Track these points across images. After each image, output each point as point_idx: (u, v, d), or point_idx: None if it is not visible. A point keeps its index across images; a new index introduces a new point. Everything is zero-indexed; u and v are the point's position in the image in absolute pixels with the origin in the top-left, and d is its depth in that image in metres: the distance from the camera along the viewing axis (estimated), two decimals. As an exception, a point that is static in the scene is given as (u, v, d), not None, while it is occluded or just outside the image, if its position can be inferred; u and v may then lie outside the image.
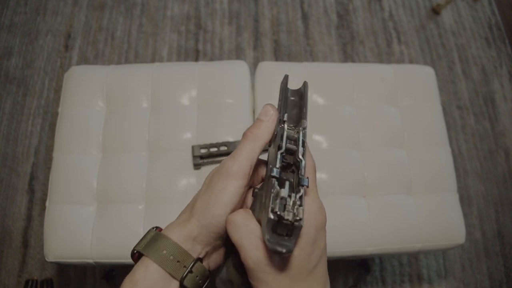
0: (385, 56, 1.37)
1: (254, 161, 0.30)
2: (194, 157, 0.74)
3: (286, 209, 0.25)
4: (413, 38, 1.41)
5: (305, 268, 0.28)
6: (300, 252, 0.27)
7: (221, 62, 0.87)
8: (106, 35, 1.32)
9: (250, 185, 0.33)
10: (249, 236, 0.27)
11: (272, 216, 0.25)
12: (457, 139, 1.27)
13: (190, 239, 0.29)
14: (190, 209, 0.31)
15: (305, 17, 1.40)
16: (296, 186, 0.28)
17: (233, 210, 0.30)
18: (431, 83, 0.88)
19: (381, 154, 0.79)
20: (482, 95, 1.34)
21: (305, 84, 0.34)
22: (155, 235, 0.30)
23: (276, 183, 0.27)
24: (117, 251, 0.68)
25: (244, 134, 0.32)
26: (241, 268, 0.31)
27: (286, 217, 0.25)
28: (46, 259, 0.70)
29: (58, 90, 1.22)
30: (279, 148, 0.29)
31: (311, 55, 1.34)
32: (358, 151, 0.79)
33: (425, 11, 1.46)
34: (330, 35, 1.38)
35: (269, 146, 0.33)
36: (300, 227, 0.25)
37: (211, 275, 0.33)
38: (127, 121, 0.78)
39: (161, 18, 1.36)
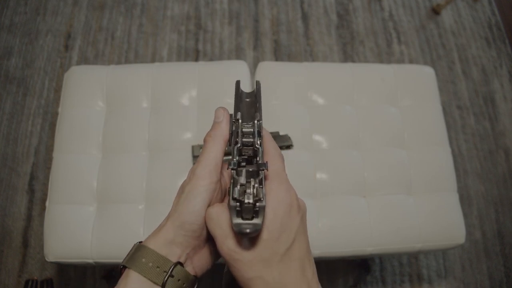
0: (385, 56, 1.37)
1: (218, 159, 0.32)
2: (194, 157, 0.74)
3: (247, 193, 0.27)
4: (413, 38, 1.41)
5: (276, 251, 0.28)
6: (268, 234, 0.28)
7: (221, 62, 0.87)
8: (106, 35, 1.32)
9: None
10: (221, 226, 0.29)
11: (232, 203, 0.26)
12: (457, 139, 1.27)
13: (167, 243, 0.30)
14: (167, 216, 0.32)
15: (305, 17, 1.40)
16: (257, 172, 0.29)
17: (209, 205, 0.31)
18: (431, 83, 0.88)
19: (381, 154, 0.79)
20: (482, 95, 1.34)
21: (257, 83, 0.36)
22: (136, 247, 0.31)
23: (234, 173, 0.29)
24: (117, 251, 0.68)
25: (204, 139, 0.33)
26: None
27: (246, 200, 0.26)
28: (46, 259, 0.70)
29: (58, 90, 1.22)
30: (236, 143, 0.31)
31: (311, 55, 1.34)
32: (358, 151, 0.79)
33: (425, 11, 1.46)
34: (330, 35, 1.38)
35: (230, 145, 0.35)
36: (263, 206, 0.27)
37: (198, 280, 0.33)
38: (127, 121, 0.78)
39: (161, 18, 1.36)
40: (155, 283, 0.29)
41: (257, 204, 0.26)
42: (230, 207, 0.27)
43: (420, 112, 0.84)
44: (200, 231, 0.31)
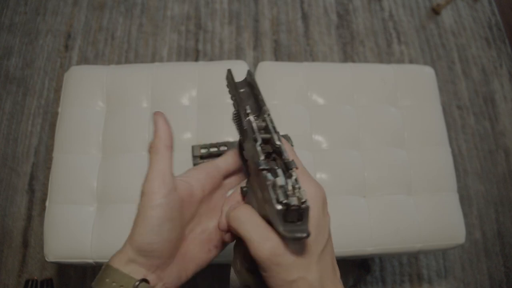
0: (385, 56, 1.37)
1: (165, 170, 0.30)
2: (194, 157, 0.74)
3: (289, 195, 0.25)
4: (413, 38, 1.41)
5: (314, 251, 0.27)
6: (315, 232, 0.27)
7: (221, 62, 0.87)
8: (106, 35, 1.32)
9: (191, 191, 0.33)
10: (257, 229, 0.27)
11: (279, 207, 0.25)
12: (457, 139, 1.27)
13: (131, 263, 0.30)
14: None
15: (305, 17, 1.40)
16: (286, 171, 0.28)
17: (173, 219, 0.30)
18: (431, 83, 0.88)
19: (381, 154, 0.79)
20: (482, 95, 1.34)
21: (249, 73, 0.34)
22: (103, 267, 0.31)
23: (269, 174, 0.27)
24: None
25: (149, 152, 0.32)
26: (257, 270, 0.31)
27: (293, 203, 0.25)
28: (46, 259, 0.70)
29: (58, 90, 1.22)
30: (255, 140, 0.29)
31: (311, 55, 1.34)
32: (358, 151, 0.79)
33: (425, 11, 1.46)
34: (330, 35, 1.38)
35: (243, 142, 0.33)
36: (308, 208, 0.25)
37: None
38: (127, 121, 0.78)
39: (161, 18, 1.36)
40: None
41: (302, 206, 0.25)
42: (276, 211, 0.25)
43: (420, 112, 0.84)
44: (162, 249, 0.30)
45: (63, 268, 1.03)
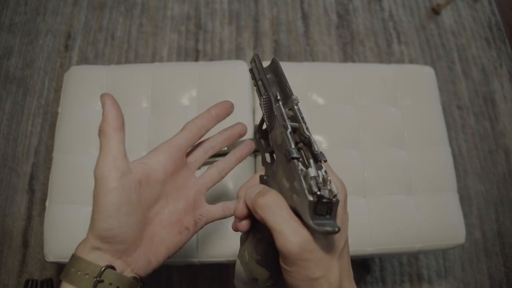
0: (385, 56, 1.37)
1: (116, 153, 0.29)
2: (194, 157, 0.74)
3: (320, 187, 0.24)
4: (413, 38, 1.41)
5: (337, 247, 0.27)
6: (341, 226, 0.26)
7: (221, 62, 0.87)
8: (106, 35, 1.32)
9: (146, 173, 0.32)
10: (288, 222, 0.26)
11: (312, 198, 0.24)
12: (457, 139, 1.27)
13: (94, 250, 0.29)
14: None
15: (305, 17, 1.40)
16: (315, 162, 0.27)
17: (130, 203, 0.29)
18: (431, 83, 0.88)
19: (381, 154, 0.79)
20: (482, 95, 1.34)
21: (275, 60, 0.33)
22: (70, 258, 0.30)
23: (300, 164, 0.26)
24: (117, 251, 0.68)
25: (98, 136, 0.30)
26: (267, 263, 0.30)
27: (326, 195, 0.24)
28: (46, 259, 0.70)
29: (58, 90, 1.22)
30: (285, 128, 0.28)
31: (311, 55, 1.34)
32: (358, 151, 0.79)
33: (425, 11, 1.46)
34: (330, 35, 1.38)
35: (270, 129, 0.31)
36: (338, 202, 0.24)
37: (143, 282, 0.31)
38: (127, 121, 0.77)
39: (161, 18, 1.36)
40: None
41: (333, 200, 0.24)
42: (308, 203, 0.24)
43: (420, 112, 0.84)
44: (124, 234, 0.29)
45: (63, 268, 1.03)
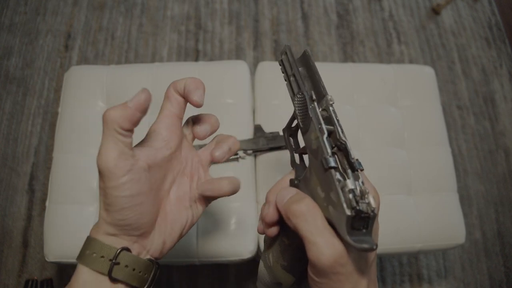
0: (385, 56, 1.37)
1: (123, 145, 0.27)
2: (194, 157, 0.74)
3: (358, 201, 0.23)
4: (413, 38, 1.41)
5: (369, 259, 0.26)
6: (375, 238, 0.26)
7: (221, 62, 0.87)
8: (106, 35, 1.32)
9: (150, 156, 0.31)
10: (323, 233, 0.25)
11: (350, 213, 0.23)
12: (457, 139, 1.27)
13: (109, 235, 0.29)
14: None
15: (305, 17, 1.40)
16: (351, 171, 0.25)
17: (142, 192, 0.28)
18: (431, 83, 0.87)
19: (381, 154, 0.79)
20: (482, 95, 1.34)
21: (307, 53, 0.30)
22: (85, 241, 0.30)
23: (338, 174, 0.24)
24: (117, 251, 0.68)
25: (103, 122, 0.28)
26: (294, 270, 0.29)
27: (364, 210, 0.23)
28: (46, 259, 0.70)
29: (58, 90, 1.22)
30: (321, 132, 0.26)
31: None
32: (358, 151, 0.79)
33: (425, 11, 1.46)
34: (330, 35, 1.38)
35: (305, 132, 0.29)
36: (375, 216, 0.23)
37: (158, 264, 0.31)
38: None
39: (161, 18, 1.36)
40: (101, 273, 0.28)
41: (371, 214, 0.23)
42: (346, 217, 0.23)
43: (420, 112, 0.84)
44: (139, 222, 0.28)
45: (63, 268, 1.03)
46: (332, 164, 0.24)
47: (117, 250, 0.28)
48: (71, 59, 1.28)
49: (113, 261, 0.28)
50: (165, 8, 1.37)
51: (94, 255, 0.28)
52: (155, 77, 0.81)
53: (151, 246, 0.31)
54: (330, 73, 0.86)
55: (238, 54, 1.32)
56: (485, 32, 1.45)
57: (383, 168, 0.78)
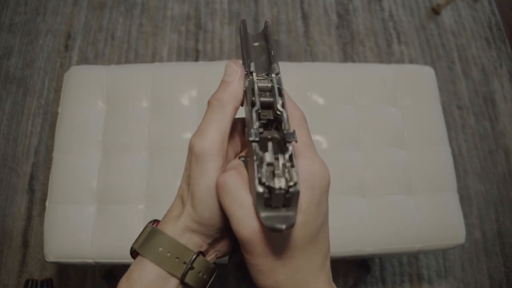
0: (385, 56, 1.37)
1: (226, 133, 0.26)
2: (194, 157, 0.74)
3: (276, 175, 0.21)
4: (413, 38, 1.41)
5: (309, 236, 0.24)
6: (306, 219, 0.23)
7: (221, 62, 0.87)
8: (106, 35, 1.32)
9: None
10: (242, 203, 0.23)
11: (261, 189, 0.21)
12: (457, 139, 1.27)
13: (187, 232, 0.27)
14: (180, 197, 0.28)
15: (305, 17, 1.40)
16: (283, 145, 0.23)
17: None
18: (431, 83, 0.87)
19: (381, 154, 0.79)
20: (482, 95, 1.34)
21: (266, 24, 0.28)
22: (151, 231, 0.28)
23: (257, 147, 0.22)
24: (117, 251, 0.68)
25: (209, 103, 0.26)
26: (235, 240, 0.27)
27: (277, 186, 0.20)
28: (46, 259, 0.70)
29: (58, 90, 1.22)
30: (253, 104, 0.24)
31: (311, 55, 1.34)
32: (358, 151, 0.79)
33: (425, 11, 1.46)
34: (330, 35, 1.38)
35: (241, 105, 0.28)
36: (297, 192, 0.21)
37: (217, 269, 0.30)
38: (127, 121, 0.78)
39: (161, 18, 1.36)
40: (173, 275, 0.26)
41: (290, 190, 0.21)
42: (256, 194, 0.21)
43: (420, 112, 0.84)
44: (222, 224, 0.27)
45: (63, 268, 1.03)
46: (253, 137, 0.22)
47: (194, 255, 0.27)
48: (71, 59, 1.28)
49: (189, 265, 0.26)
50: (165, 8, 1.37)
51: (169, 254, 0.26)
52: (155, 77, 0.81)
53: (221, 248, 0.30)
54: (330, 73, 0.86)
55: (238, 54, 1.32)
56: (485, 32, 1.45)
57: (383, 168, 0.78)
